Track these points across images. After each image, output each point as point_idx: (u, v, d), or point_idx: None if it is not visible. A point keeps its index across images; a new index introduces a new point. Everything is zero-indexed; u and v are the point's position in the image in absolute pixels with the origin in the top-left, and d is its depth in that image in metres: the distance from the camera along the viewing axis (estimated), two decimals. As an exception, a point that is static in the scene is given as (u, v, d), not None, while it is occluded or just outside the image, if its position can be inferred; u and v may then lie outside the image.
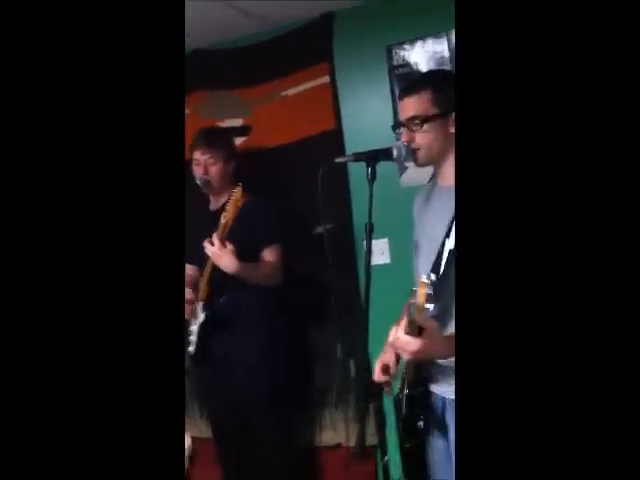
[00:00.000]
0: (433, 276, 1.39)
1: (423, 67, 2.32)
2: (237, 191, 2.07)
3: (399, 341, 1.33)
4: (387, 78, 2.38)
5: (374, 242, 2.45)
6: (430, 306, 1.42)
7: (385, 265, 2.46)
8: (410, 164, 1.58)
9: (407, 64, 2.35)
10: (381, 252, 2.49)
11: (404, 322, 1.35)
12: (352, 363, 2.53)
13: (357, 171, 1.51)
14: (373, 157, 1.49)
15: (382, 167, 1.57)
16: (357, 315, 2.44)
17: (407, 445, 1.61)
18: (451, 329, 1.45)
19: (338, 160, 1.54)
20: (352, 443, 1.54)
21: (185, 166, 2.57)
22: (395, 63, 2.37)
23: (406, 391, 1.54)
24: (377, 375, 1.54)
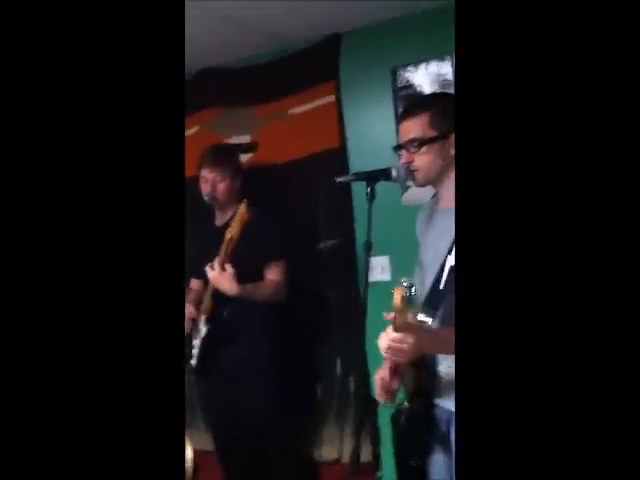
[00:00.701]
0: (410, 280, 1.38)
1: (427, 89, 2.36)
2: (242, 207, 2.11)
3: (392, 342, 1.31)
4: (391, 99, 2.42)
5: (375, 259, 2.52)
6: (428, 320, 1.45)
7: (385, 282, 2.49)
8: (411, 183, 1.61)
9: (411, 85, 2.39)
10: (381, 269, 2.52)
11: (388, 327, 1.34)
12: (351, 379, 2.56)
13: (361, 189, 1.55)
14: (373, 177, 1.53)
15: (385, 186, 1.61)
16: (357, 331, 2.47)
17: (411, 462, 1.60)
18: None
19: (339, 180, 1.58)
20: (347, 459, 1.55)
21: (185, 182, 2.60)
22: (399, 84, 2.41)
23: (406, 404, 1.54)
24: (379, 393, 1.54)
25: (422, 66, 2.37)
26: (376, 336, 1.83)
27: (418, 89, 2.38)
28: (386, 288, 2.37)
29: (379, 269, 2.53)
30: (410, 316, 1.31)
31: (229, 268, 2.17)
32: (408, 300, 1.30)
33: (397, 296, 1.30)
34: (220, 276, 2.17)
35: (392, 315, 1.30)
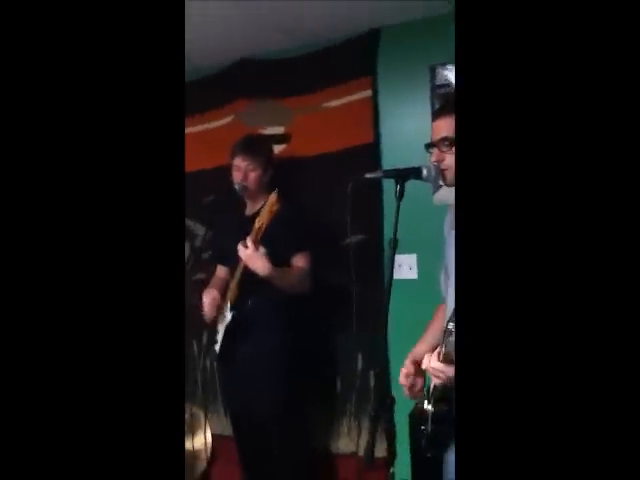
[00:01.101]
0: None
1: (464, 88, 2.34)
2: (273, 196, 2.12)
3: (434, 369, 1.39)
4: (429, 97, 2.41)
5: (403, 257, 2.52)
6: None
7: (412, 280, 2.49)
8: (441, 182, 1.60)
9: (449, 84, 2.37)
10: (409, 267, 2.52)
11: (438, 350, 1.39)
12: (372, 374, 2.56)
13: (391, 186, 1.54)
14: (402, 175, 1.53)
15: (416, 184, 1.60)
16: (379, 327, 2.48)
17: (428, 454, 1.63)
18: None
19: (368, 176, 1.58)
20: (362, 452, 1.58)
21: (217, 171, 2.70)
22: (438, 83, 2.39)
23: (432, 407, 1.56)
24: (403, 383, 1.60)
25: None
26: (401, 333, 1.84)
27: (456, 88, 2.36)
28: (412, 286, 2.40)
29: (406, 267, 2.53)
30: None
31: (262, 248, 2.17)
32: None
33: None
34: (254, 254, 2.16)
35: (447, 346, 1.35)
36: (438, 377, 1.38)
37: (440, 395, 1.51)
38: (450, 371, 1.34)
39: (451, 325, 1.33)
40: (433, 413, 1.51)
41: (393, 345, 1.98)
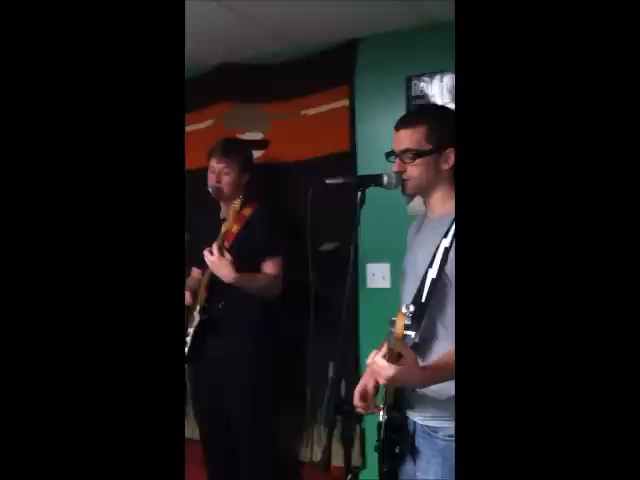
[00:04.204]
0: (412, 307, 1.43)
1: (440, 100, 2.35)
2: (237, 202, 2.13)
3: (376, 365, 1.35)
4: (404, 107, 2.42)
5: (376, 266, 2.53)
6: (412, 334, 1.46)
7: (385, 289, 2.49)
8: (400, 191, 1.60)
9: (425, 95, 2.39)
10: (382, 277, 2.52)
11: (384, 348, 1.38)
12: (343, 383, 2.55)
13: (369, 194, 1.54)
14: (363, 182, 1.53)
15: (391, 194, 1.62)
16: (350, 336, 2.48)
17: (385, 469, 1.63)
18: (431, 356, 1.47)
19: (329, 181, 1.58)
20: (339, 461, 1.56)
21: (195, 173, 2.69)
22: (413, 93, 2.41)
23: (385, 416, 1.56)
24: (356, 400, 1.57)
25: (437, 77, 2.36)
26: (373, 343, 1.84)
27: (431, 99, 2.37)
28: (386, 295, 2.40)
29: (380, 276, 2.54)
30: (404, 349, 1.34)
31: (227, 254, 2.20)
32: (406, 328, 1.35)
33: (399, 324, 1.32)
34: (218, 261, 2.19)
35: (389, 342, 1.33)
36: (379, 375, 1.34)
37: (392, 403, 1.51)
38: (390, 370, 1.31)
39: (393, 318, 1.33)
40: (385, 422, 1.51)
41: (364, 352, 1.98)
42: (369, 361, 1.40)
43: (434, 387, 1.42)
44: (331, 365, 2.60)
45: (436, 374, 1.37)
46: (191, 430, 2.78)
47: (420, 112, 1.77)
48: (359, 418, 2.36)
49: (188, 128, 2.91)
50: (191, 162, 2.78)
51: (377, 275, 2.53)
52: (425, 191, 1.57)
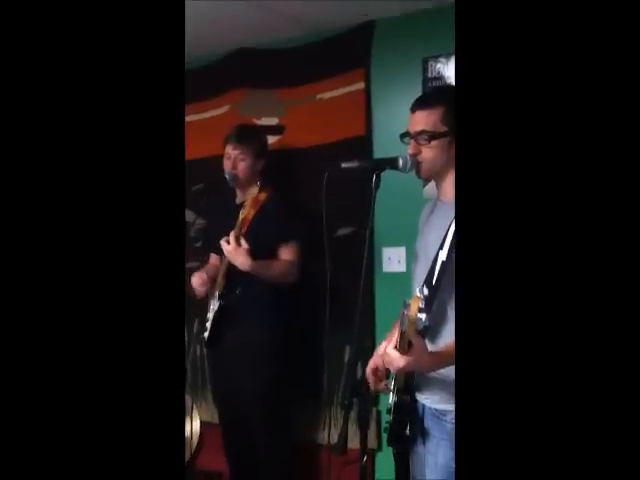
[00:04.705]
0: (426, 290, 1.43)
1: (456, 82, 2.33)
2: (254, 189, 2.13)
3: (387, 356, 1.38)
4: (420, 89, 2.39)
5: (392, 250, 2.52)
6: (422, 316, 1.46)
7: (401, 273, 2.49)
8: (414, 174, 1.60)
9: (441, 77, 2.36)
10: (398, 260, 2.51)
11: (395, 335, 1.39)
12: (360, 366, 2.56)
13: (385, 178, 1.54)
14: (378, 165, 1.53)
15: (407, 177, 1.61)
16: (366, 319, 2.48)
17: (395, 451, 1.65)
18: (442, 340, 1.48)
19: (344, 165, 1.58)
20: (355, 444, 1.58)
21: (212, 159, 2.70)
22: (430, 75, 2.38)
23: (395, 398, 1.57)
24: (368, 372, 1.60)
25: (453, 58, 2.33)
26: (389, 326, 1.84)
27: (448, 81, 2.35)
28: (402, 279, 2.39)
29: (396, 260, 2.53)
30: (416, 331, 1.35)
31: (244, 243, 2.21)
32: (420, 311, 1.35)
33: (413, 307, 1.33)
34: (235, 250, 2.21)
35: (402, 326, 1.34)
36: (390, 365, 1.36)
37: (402, 386, 1.52)
38: (401, 361, 1.33)
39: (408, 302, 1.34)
40: (395, 405, 1.52)
41: (381, 337, 1.99)
42: (380, 352, 1.43)
43: (443, 371, 1.43)
44: (347, 349, 2.63)
45: (445, 359, 1.38)
46: (211, 414, 2.82)
47: (437, 93, 1.75)
48: (375, 401, 2.36)
49: (203, 115, 2.93)
50: (207, 149, 2.82)
51: (393, 259, 2.52)
52: (438, 174, 1.56)
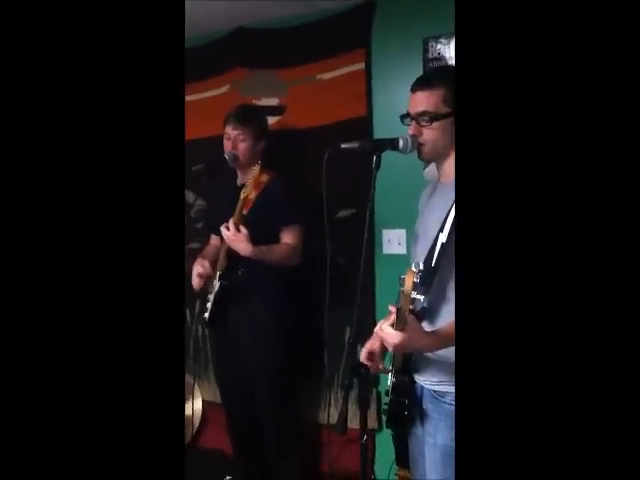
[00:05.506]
0: (421, 265, 1.43)
1: (457, 62, 2.31)
2: (256, 169, 2.12)
3: (383, 332, 1.38)
4: (421, 70, 2.38)
5: (392, 232, 2.52)
6: (420, 297, 1.47)
7: (401, 255, 2.49)
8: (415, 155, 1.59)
9: (442, 57, 2.34)
10: (398, 242, 2.52)
11: (392, 315, 1.39)
12: (360, 347, 2.58)
13: (385, 159, 1.53)
14: (378, 146, 1.52)
15: (407, 159, 1.60)
16: (367, 300, 2.49)
17: (393, 432, 1.67)
18: (440, 321, 1.49)
19: (344, 146, 1.57)
20: (355, 424, 1.59)
21: (212, 140, 2.69)
22: (430, 56, 2.36)
23: (393, 379, 1.58)
24: (363, 358, 1.60)
25: (454, 39, 2.31)
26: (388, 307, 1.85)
27: (449, 62, 2.33)
28: (402, 261, 2.40)
29: (396, 242, 2.54)
30: (408, 315, 1.35)
31: (243, 229, 2.21)
32: (415, 286, 1.35)
33: (408, 282, 1.33)
34: (234, 237, 2.21)
35: (398, 302, 1.34)
36: (386, 342, 1.37)
37: (400, 367, 1.53)
38: (396, 337, 1.33)
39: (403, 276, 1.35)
40: (393, 386, 1.53)
41: (381, 318, 1.99)
42: (377, 329, 1.43)
43: (441, 352, 1.43)
44: (348, 330, 2.64)
45: (444, 339, 1.39)
46: (213, 393, 2.85)
47: (438, 74, 1.73)
48: (375, 381, 2.38)
49: (203, 95, 2.91)
50: (207, 129, 2.81)
51: (393, 241, 2.53)
52: (439, 156, 1.56)
